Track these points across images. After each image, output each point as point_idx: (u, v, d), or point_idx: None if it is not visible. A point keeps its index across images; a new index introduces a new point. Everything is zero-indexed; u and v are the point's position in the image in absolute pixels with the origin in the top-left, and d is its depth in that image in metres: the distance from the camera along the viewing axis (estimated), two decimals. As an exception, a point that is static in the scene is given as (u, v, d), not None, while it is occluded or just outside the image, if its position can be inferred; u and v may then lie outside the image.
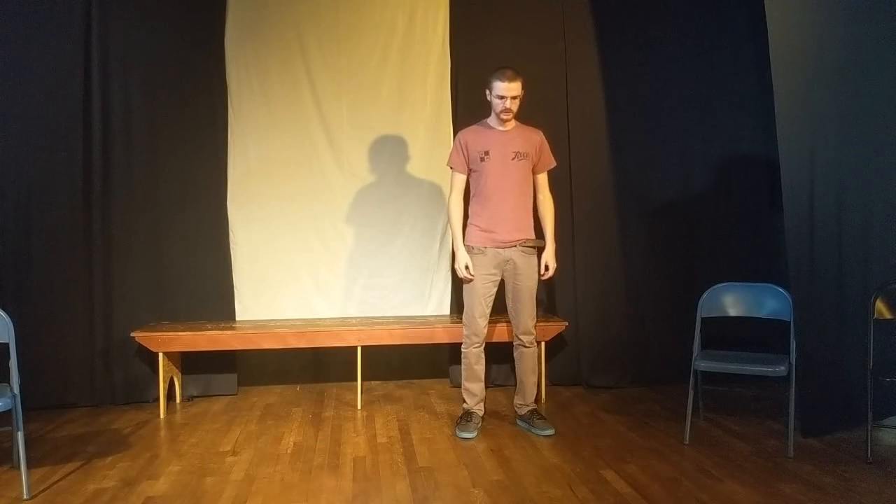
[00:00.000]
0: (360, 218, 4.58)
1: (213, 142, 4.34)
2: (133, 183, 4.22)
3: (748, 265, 4.55)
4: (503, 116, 3.53)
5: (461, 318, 3.70)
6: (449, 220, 3.70)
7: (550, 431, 3.58)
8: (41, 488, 2.91)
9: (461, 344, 3.72)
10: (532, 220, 3.64)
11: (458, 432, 3.59)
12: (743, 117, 4.68)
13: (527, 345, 3.69)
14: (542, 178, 3.73)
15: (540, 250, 3.67)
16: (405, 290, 4.64)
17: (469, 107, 4.46)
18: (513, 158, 3.54)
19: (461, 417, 3.69)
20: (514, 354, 3.75)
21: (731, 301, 3.59)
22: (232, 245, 4.42)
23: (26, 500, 2.79)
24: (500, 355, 4.31)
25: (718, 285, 3.60)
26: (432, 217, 4.63)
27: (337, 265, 4.58)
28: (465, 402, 3.72)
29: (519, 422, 3.76)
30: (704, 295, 3.56)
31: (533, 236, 3.64)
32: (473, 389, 3.69)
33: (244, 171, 4.44)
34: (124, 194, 4.21)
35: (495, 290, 3.64)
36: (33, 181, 4.05)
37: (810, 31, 3.44)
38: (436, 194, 4.62)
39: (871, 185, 3.53)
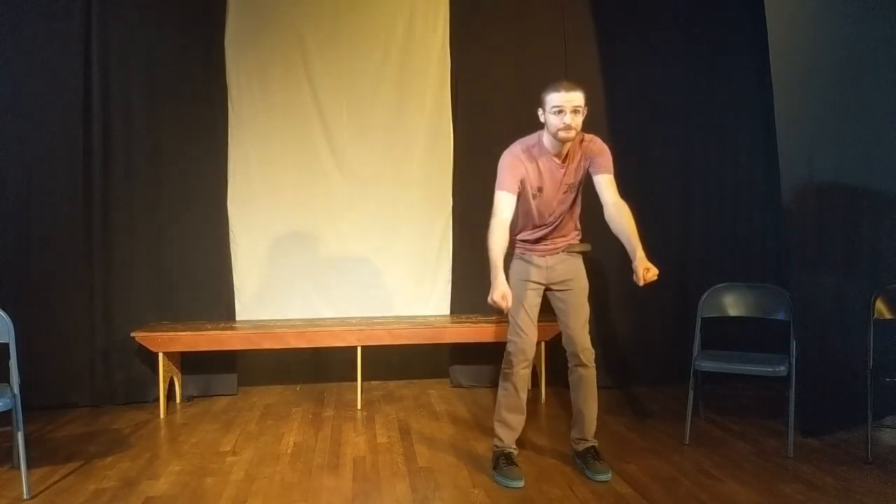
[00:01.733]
0: (360, 218, 4.57)
1: (213, 141, 4.34)
2: (133, 183, 4.22)
3: (748, 265, 4.55)
4: (562, 135, 2.79)
5: (461, 318, 3.61)
6: (489, 246, 2.81)
7: (607, 476, 2.97)
8: (41, 488, 2.90)
9: (501, 365, 3.09)
10: (575, 225, 3.17)
11: (500, 480, 2.95)
12: (743, 117, 4.68)
13: (586, 363, 3.07)
14: (608, 180, 2.94)
15: (585, 255, 3.20)
16: (405, 290, 4.63)
17: (469, 107, 4.46)
18: (565, 192, 3.01)
19: (498, 460, 3.03)
20: (570, 379, 3.13)
21: (731, 301, 3.59)
22: (232, 245, 4.42)
23: (26, 500, 2.78)
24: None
25: (718, 285, 3.61)
26: (432, 218, 4.62)
27: (337, 265, 4.57)
28: (498, 439, 3.08)
29: (577, 459, 3.14)
30: (704, 295, 3.57)
31: (576, 241, 3.19)
32: (512, 423, 3.07)
33: (244, 170, 4.44)
34: (124, 194, 4.21)
35: (540, 300, 3.13)
36: (33, 181, 4.05)
37: (810, 31, 3.44)
38: (436, 195, 4.61)
39: (870, 185, 3.53)
